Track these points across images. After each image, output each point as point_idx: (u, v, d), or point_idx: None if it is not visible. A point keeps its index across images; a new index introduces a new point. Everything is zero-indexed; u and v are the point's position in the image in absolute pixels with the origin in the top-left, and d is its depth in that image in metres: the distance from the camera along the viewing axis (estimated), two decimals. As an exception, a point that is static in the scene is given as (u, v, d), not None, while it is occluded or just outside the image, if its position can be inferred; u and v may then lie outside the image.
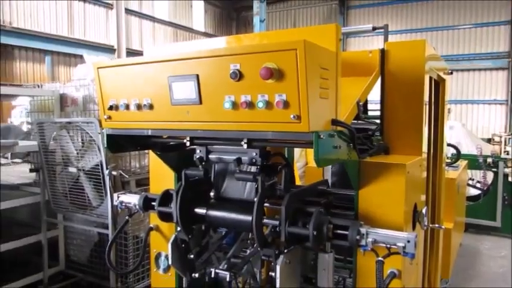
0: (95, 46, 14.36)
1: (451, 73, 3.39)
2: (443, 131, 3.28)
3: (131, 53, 15.03)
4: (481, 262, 6.09)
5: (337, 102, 1.77)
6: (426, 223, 2.20)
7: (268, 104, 1.59)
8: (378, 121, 2.55)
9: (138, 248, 4.58)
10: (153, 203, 2.34)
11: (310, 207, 1.97)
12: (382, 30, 2.85)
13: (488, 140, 11.97)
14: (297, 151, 5.16)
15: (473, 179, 7.73)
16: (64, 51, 13.59)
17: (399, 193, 1.97)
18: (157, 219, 2.41)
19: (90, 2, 14.44)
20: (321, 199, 2.16)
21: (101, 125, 3.67)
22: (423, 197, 2.51)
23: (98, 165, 3.86)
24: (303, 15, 20.90)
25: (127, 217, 2.64)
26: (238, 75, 1.61)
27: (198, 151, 2.18)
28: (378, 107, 2.54)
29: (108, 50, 14.85)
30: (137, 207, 2.47)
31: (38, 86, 5.31)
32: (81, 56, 11.71)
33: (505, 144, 10.97)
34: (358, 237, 1.80)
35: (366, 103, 2.70)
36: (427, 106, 2.57)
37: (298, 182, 3.10)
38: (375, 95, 2.54)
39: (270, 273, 2.00)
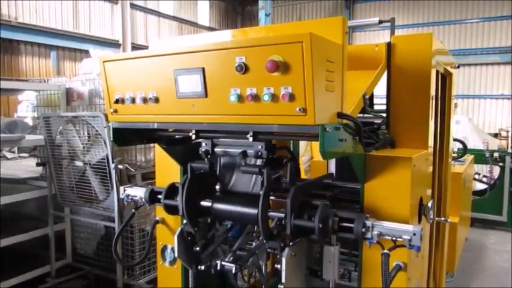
0: (100, 41, 14.39)
1: (458, 67, 3.37)
2: (450, 125, 3.26)
3: (136, 47, 15.05)
4: (487, 257, 6.07)
5: (343, 95, 1.77)
6: (432, 216, 2.20)
7: (274, 97, 1.59)
8: (384, 115, 2.54)
9: (144, 241, 4.61)
10: (159, 196, 2.35)
11: (315, 200, 1.98)
12: (388, 24, 2.84)
13: (495, 135, 11.89)
14: (302, 145, 5.16)
15: (479, 174, 7.70)
16: (69, 46, 13.64)
17: (405, 186, 1.96)
18: (163, 212, 2.43)
19: (95, -4, 14.48)
20: (327, 192, 2.16)
21: (106, 119, 3.69)
22: (429, 191, 2.50)
23: (104, 159, 3.88)
24: (308, 10, 20.80)
25: (133, 210, 2.66)
26: (244, 68, 1.61)
27: (203, 144, 2.19)
28: (384, 101, 2.53)
29: (114, 44, 14.89)
30: (143, 200, 2.48)
31: (44, 81, 5.33)
32: (86, 51, 11.76)
33: (512, 140, 10.90)
34: (363, 230, 1.80)
35: (371, 97, 2.69)
36: (434, 100, 2.55)
37: (303, 176, 3.10)
38: (380, 90, 2.53)
39: (276, 265, 2.01)
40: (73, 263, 4.92)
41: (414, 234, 1.73)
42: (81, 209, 4.49)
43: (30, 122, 8.53)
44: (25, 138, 4.39)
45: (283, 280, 1.92)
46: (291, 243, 1.97)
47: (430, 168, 2.61)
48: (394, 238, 1.78)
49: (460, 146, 5.71)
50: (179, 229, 2.29)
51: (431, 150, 2.55)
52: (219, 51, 1.67)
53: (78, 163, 4.11)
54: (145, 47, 2.22)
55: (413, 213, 2.05)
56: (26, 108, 8.99)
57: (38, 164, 5.01)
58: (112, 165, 3.73)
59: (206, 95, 1.75)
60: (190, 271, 2.57)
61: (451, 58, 3.18)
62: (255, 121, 1.69)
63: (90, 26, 14.33)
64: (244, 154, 2.01)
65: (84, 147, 4.06)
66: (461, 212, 4.94)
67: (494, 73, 17.33)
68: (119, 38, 15.10)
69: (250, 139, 1.90)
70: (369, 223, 1.82)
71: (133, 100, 1.97)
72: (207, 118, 1.81)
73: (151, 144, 4.63)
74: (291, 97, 1.55)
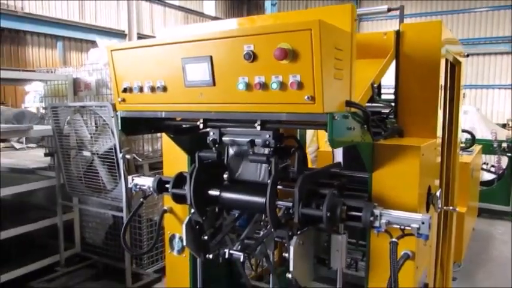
0: (106, 31, 14.41)
1: (468, 56, 3.33)
2: (458, 115, 3.23)
3: (142, 38, 15.03)
4: (494, 247, 6.06)
5: (352, 83, 1.75)
6: (440, 205, 2.19)
7: (282, 85, 1.58)
8: (392, 104, 2.52)
9: (152, 230, 4.66)
10: (167, 185, 2.36)
11: (323, 189, 1.98)
12: (395, 13, 2.80)
13: (503, 126, 11.80)
14: (308, 136, 5.16)
15: (487, 164, 7.66)
16: (75, 36, 13.66)
17: (413, 175, 1.95)
18: (171, 202, 2.44)
19: (101, -14, 14.45)
20: (334, 181, 2.16)
21: (114, 109, 3.70)
22: (437, 180, 2.49)
23: (111, 148, 3.90)
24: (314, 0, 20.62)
25: (141, 199, 2.67)
26: (252, 56, 1.60)
27: (211, 133, 2.19)
28: (391, 91, 2.51)
29: (119, 35, 14.89)
30: (151, 189, 2.50)
31: (52, 71, 5.35)
32: (92, 42, 11.75)
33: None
34: (371, 218, 1.80)
35: (379, 87, 2.67)
36: (443, 89, 2.53)
37: (310, 167, 3.10)
38: (387, 80, 2.51)
39: (284, 254, 2.02)
40: (82, 252, 4.99)
41: (423, 223, 1.72)
42: (89, 199, 4.53)
43: (37, 112, 8.58)
44: (33, 129, 4.42)
45: (291, 268, 1.93)
46: (298, 232, 1.98)
47: (439, 158, 2.59)
48: (402, 227, 1.77)
49: (468, 136, 5.67)
50: (187, 218, 2.30)
51: (439, 140, 2.54)
52: (227, 39, 1.66)
53: (86, 153, 4.14)
54: (151, 38, 2.21)
55: (422, 202, 2.04)
56: (33, 99, 9.03)
57: (46, 154, 5.05)
58: (120, 155, 3.75)
59: (214, 84, 1.74)
60: (198, 260, 2.59)
61: (460, 46, 3.14)
62: (263, 109, 1.68)
63: (96, 16, 14.33)
64: (252, 143, 2.01)
65: (91, 137, 4.08)
66: (469, 202, 4.93)
67: (503, 63, 17.13)
68: (124, 28, 15.09)
69: (258, 128, 1.90)
70: (377, 212, 1.81)
71: (141, 89, 1.97)
72: (215, 107, 1.81)
73: (159, 134, 4.65)
74: (300, 85, 1.54)
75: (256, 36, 1.59)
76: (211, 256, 2.29)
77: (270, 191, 1.90)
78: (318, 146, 5.68)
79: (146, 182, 2.57)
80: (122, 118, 2.17)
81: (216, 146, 2.19)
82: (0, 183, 4.07)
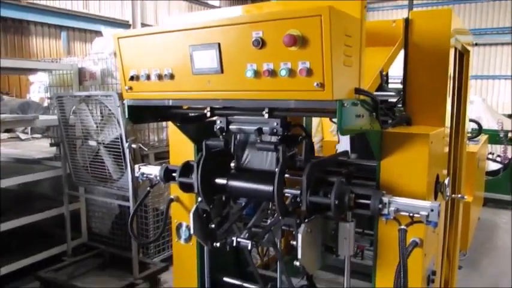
0: (110, 21, 14.35)
1: (476, 45, 3.29)
2: (466, 104, 3.21)
3: (146, 28, 14.95)
4: (499, 236, 6.08)
5: (361, 70, 1.74)
6: (448, 193, 2.19)
7: (291, 72, 1.56)
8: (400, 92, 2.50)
9: (158, 220, 4.69)
10: (174, 174, 2.36)
11: (331, 177, 1.97)
12: (402, 2, 2.77)
13: (509, 116, 11.73)
14: (313, 126, 5.14)
15: (493, 154, 7.63)
16: (79, 26, 13.62)
17: (422, 163, 1.95)
18: (178, 191, 2.44)
19: (105, -24, 14.37)
20: (342, 169, 2.15)
21: (120, 98, 3.69)
22: (445, 169, 2.48)
23: (117, 138, 3.90)
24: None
25: (148, 188, 2.68)
26: (260, 43, 1.58)
27: (218, 122, 2.18)
28: (398, 82, 2.49)
29: (123, 25, 14.83)
30: (158, 178, 2.50)
31: (56, 61, 5.35)
32: (96, 32, 11.72)
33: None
34: (380, 206, 1.80)
35: (386, 76, 2.65)
36: (451, 79, 2.51)
37: (316, 155, 3.09)
38: (394, 71, 2.49)
39: (291, 242, 2.02)
40: (88, 242, 5.02)
41: (432, 210, 1.72)
42: (95, 189, 4.55)
43: (42, 103, 8.59)
44: (39, 118, 4.42)
45: (299, 256, 1.93)
46: (306, 220, 1.98)
47: (447, 147, 2.58)
48: (411, 214, 1.77)
49: (474, 126, 5.64)
50: (194, 207, 2.30)
51: (447, 129, 2.52)
52: (235, 25, 1.65)
53: (92, 143, 4.14)
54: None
55: (430, 190, 2.04)
56: (38, 90, 9.04)
57: (51, 145, 5.07)
58: (126, 145, 3.76)
59: (222, 71, 1.73)
60: (205, 248, 2.60)
61: (470, 36, 3.11)
62: (272, 97, 1.67)
63: (100, 6, 14.27)
64: (259, 131, 2.00)
65: (97, 127, 4.09)
66: (475, 192, 4.92)
67: (510, 53, 16.97)
68: (128, 19, 15.03)
69: (266, 116, 1.89)
70: (385, 199, 1.81)
71: (148, 77, 1.96)
72: (223, 94, 1.80)
73: (164, 124, 4.66)
74: (309, 72, 1.53)
75: (265, 23, 1.57)
76: (218, 244, 2.29)
77: (277, 179, 1.90)
78: (322, 136, 5.67)
79: (153, 171, 2.57)
80: (129, 106, 2.17)
81: (223, 134, 2.18)
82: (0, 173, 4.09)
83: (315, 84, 1.53)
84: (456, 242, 3.38)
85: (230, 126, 2.17)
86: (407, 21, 2.34)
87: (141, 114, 2.25)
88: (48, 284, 4.21)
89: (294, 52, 1.54)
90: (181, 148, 2.66)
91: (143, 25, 15.26)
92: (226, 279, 2.82)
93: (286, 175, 2.15)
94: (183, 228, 2.76)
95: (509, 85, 17.04)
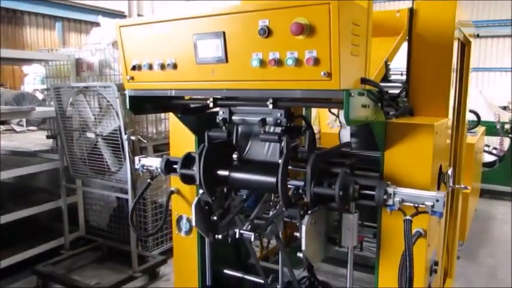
0: (105, 12, 14.18)
1: (478, 36, 3.29)
2: (467, 95, 3.21)
3: (141, 20, 14.81)
4: (495, 226, 6.13)
5: (367, 60, 1.72)
6: (452, 184, 2.18)
7: (298, 61, 1.54)
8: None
9: (157, 213, 4.67)
10: (175, 166, 2.34)
11: (335, 168, 1.96)
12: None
13: (504, 108, 11.78)
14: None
15: (489, 146, 7.67)
16: (74, 17, 13.46)
17: (427, 153, 1.94)
18: (178, 183, 2.42)
19: (100, -34, 14.20)
20: (345, 160, 2.14)
21: (119, 89, 3.65)
22: (447, 160, 2.48)
23: (116, 130, 3.86)
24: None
25: (149, 180, 2.66)
26: (266, 32, 1.56)
27: (221, 112, 2.16)
28: (399, 74, 2.48)
29: (119, 16, 14.67)
30: (159, 170, 2.48)
31: (53, 51, 5.27)
32: (91, 23, 11.60)
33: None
34: (385, 196, 1.79)
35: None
36: (454, 70, 2.50)
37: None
38: (396, 63, 2.47)
39: (295, 233, 2.01)
40: (86, 235, 4.99)
41: (437, 201, 1.71)
42: (93, 181, 4.51)
43: (37, 94, 8.51)
44: (35, 110, 4.37)
45: (303, 247, 1.92)
46: (309, 212, 1.97)
47: (449, 138, 2.58)
48: (416, 205, 1.77)
49: (471, 117, 5.65)
50: (196, 199, 2.28)
51: (450, 120, 2.52)
52: (241, 14, 1.62)
53: (90, 135, 4.10)
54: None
55: (434, 180, 2.03)
56: (33, 81, 8.94)
57: (48, 137, 5.02)
58: (124, 137, 3.72)
59: (227, 60, 1.70)
60: (206, 240, 2.59)
61: (471, 26, 3.10)
62: (277, 86, 1.65)
63: (96, -4, 14.13)
64: (263, 121, 1.98)
65: (95, 119, 4.05)
66: (472, 183, 4.94)
67: (505, 45, 17.01)
68: (124, 9, 14.86)
69: (270, 106, 1.87)
70: (390, 190, 1.80)
71: (150, 66, 1.93)
72: (227, 84, 1.78)
73: (163, 116, 4.62)
74: (316, 61, 1.51)
75: (271, 11, 1.55)
76: (220, 237, 2.28)
77: (282, 170, 1.88)
78: (319, 128, 5.66)
79: (153, 162, 2.55)
80: (130, 97, 2.14)
81: (226, 125, 2.16)
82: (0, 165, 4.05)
83: (322, 73, 1.51)
84: (455, 233, 3.39)
85: (233, 117, 2.14)
86: (411, 11, 2.32)
87: (142, 105, 2.22)
88: (46, 277, 4.18)
89: (301, 41, 1.52)
90: (182, 140, 2.63)
91: (139, 16, 15.12)
92: (226, 271, 2.81)
93: (289, 166, 2.13)
94: (184, 220, 2.75)
95: (504, 77, 17.10)
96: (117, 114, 3.76)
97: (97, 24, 5.02)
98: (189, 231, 2.74)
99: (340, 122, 3.25)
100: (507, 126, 7.20)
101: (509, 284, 4.30)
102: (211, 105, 2.09)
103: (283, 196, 1.90)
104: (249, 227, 2.19)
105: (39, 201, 4.58)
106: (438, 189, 2.12)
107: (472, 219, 5.58)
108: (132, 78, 2.04)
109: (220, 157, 2.21)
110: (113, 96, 3.73)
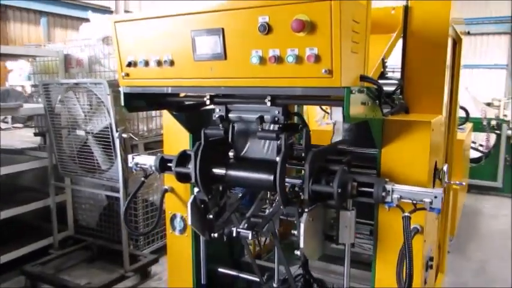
0: (91, 7, 13.97)
1: (469, 33, 3.32)
2: (458, 92, 3.24)
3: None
4: (482, 220, 6.23)
5: (366, 57, 1.72)
6: (447, 180, 2.21)
7: (298, 59, 1.54)
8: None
9: (148, 211, 4.62)
10: (169, 164, 2.32)
11: (332, 165, 1.96)
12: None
13: (488, 104, 11.94)
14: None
15: (475, 142, 7.78)
16: (60, 12, 13.21)
17: (424, 150, 1.95)
18: (172, 181, 2.39)
19: (85, -39, 13.96)
20: (343, 157, 2.14)
21: (110, 86, 3.60)
22: (442, 156, 2.50)
23: (107, 128, 3.80)
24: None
25: (143, 178, 2.63)
26: (267, 29, 1.55)
27: (217, 110, 2.14)
28: (394, 71, 2.48)
29: (106, 11, 14.47)
30: (153, 168, 2.45)
31: (41, 47, 5.17)
32: (77, 18, 11.42)
33: (504, 109, 10.96)
34: (383, 194, 1.80)
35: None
36: (449, 68, 2.52)
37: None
38: (391, 60, 2.48)
39: (293, 231, 2.01)
40: (75, 234, 4.90)
41: (435, 197, 1.73)
42: (82, 180, 4.44)
43: (22, 90, 8.36)
44: (23, 107, 4.27)
45: (301, 245, 1.92)
46: (306, 209, 1.96)
47: (444, 133, 2.60)
48: (414, 201, 1.78)
49: (460, 113, 5.72)
50: (192, 197, 2.26)
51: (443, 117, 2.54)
52: (241, 10, 1.60)
53: (80, 132, 4.03)
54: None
55: (430, 177, 2.05)
56: (18, 77, 8.76)
57: (36, 134, 4.93)
58: (116, 134, 3.67)
59: (225, 57, 1.69)
60: (201, 239, 2.57)
61: (463, 24, 3.13)
62: (277, 84, 1.64)
63: (81, -9, 13.88)
64: (261, 119, 1.97)
65: (85, 116, 3.98)
66: (461, 179, 5.01)
67: (490, 42, 17.23)
68: (111, 5, 14.68)
69: (269, 104, 1.86)
70: (388, 187, 1.81)
71: (146, 63, 1.90)
72: (226, 81, 1.76)
73: (153, 113, 4.57)
74: (317, 58, 1.50)
75: (271, 7, 1.54)
76: (216, 235, 2.26)
77: (280, 168, 1.87)
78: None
79: (147, 161, 2.52)
80: (125, 94, 2.11)
81: (222, 122, 2.14)
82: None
83: (323, 71, 1.51)
84: (446, 228, 3.43)
85: (230, 115, 2.13)
86: (406, 9, 2.33)
87: (136, 102, 2.19)
88: (35, 278, 4.11)
89: (301, 38, 1.51)
90: (176, 138, 2.61)
91: (126, 12, 14.93)
92: (221, 269, 2.80)
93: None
94: (178, 219, 2.72)
95: (488, 74, 17.33)
96: (108, 112, 3.70)
97: (84, 19, 4.92)
98: (183, 230, 2.72)
99: (330, 119, 3.25)
100: (493, 123, 7.31)
101: (499, 278, 4.37)
102: (207, 102, 2.07)
103: (282, 194, 1.90)
104: (246, 225, 2.18)
105: (27, 200, 4.48)
106: (433, 185, 2.14)
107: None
108: (127, 74, 2.01)
109: (216, 155, 2.19)
110: (104, 93, 3.67)
